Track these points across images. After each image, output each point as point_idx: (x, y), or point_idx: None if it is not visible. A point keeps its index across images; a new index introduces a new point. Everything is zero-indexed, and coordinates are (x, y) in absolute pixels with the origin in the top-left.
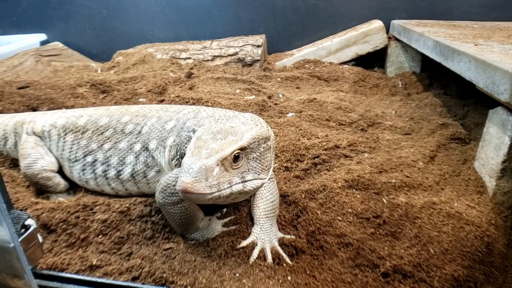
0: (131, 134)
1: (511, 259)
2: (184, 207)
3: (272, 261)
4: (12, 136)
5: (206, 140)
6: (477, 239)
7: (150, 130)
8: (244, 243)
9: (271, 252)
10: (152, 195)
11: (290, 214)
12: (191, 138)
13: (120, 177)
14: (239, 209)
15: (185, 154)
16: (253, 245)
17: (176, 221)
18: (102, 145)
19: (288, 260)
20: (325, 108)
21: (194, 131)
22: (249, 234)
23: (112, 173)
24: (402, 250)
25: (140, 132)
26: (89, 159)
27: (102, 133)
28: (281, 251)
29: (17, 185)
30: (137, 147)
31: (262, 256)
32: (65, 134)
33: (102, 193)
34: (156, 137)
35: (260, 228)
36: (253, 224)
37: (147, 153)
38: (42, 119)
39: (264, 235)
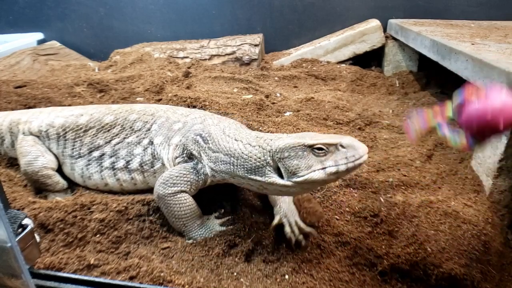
0: (139, 131)
1: (508, 258)
2: (184, 197)
3: (300, 237)
4: (8, 136)
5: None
6: (474, 237)
7: (159, 127)
8: (275, 222)
9: (296, 227)
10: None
11: None
12: (197, 141)
13: (129, 166)
14: (236, 209)
15: (191, 153)
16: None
17: (175, 214)
18: (110, 141)
19: (314, 232)
20: (323, 107)
21: (200, 135)
22: (247, 232)
23: (121, 163)
24: (399, 248)
25: (149, 129)
26: (96, 154)
27: (108, 130)
28: (307, 228)
29: (14, 184)
30: (145, 141)
31: (259, 255)
32: (65, 133)
33: (101, 190)
34: (162, 133)
35: (287, 205)
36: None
37: (153, 146)
38: (38, 120)
39: (289, 212)
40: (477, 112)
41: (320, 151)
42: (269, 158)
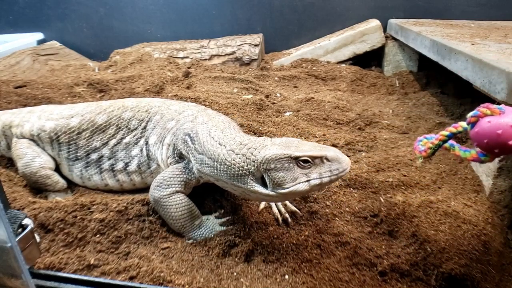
0: (136, 130)
1: (508, 258)
2: (179, 198)
3: (286, 217)
4: (3, 139)
5: (297, 146)
6: (474, 237)
7: (154, 126)
8: (261, 205)
9: (282, 205)
10: None
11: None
12: (185, 141)
13: (127, 168)
14: (236, 209)
15: (181, 153)
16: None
17: (173, 215)
18: (107, 142)
19: (299, 212)
20: (323, 107)
21: (188, 134)
22: (247, 232)
23: (120, 165)
24: (399, 249)
25: (145, 127)
26: (94, 156)
27: (103, 131)
28: (292, 206)
29: (14, 184)
30: (142, 141)
31: (259, 255)
32: (58, 137)
33: (101, 189)
34: (157, 133)
35: None
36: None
37: (148, 146)
38: (29, 123)
39: None
40: (489, 127)
41: (306, 164)
42: (252, 168)
